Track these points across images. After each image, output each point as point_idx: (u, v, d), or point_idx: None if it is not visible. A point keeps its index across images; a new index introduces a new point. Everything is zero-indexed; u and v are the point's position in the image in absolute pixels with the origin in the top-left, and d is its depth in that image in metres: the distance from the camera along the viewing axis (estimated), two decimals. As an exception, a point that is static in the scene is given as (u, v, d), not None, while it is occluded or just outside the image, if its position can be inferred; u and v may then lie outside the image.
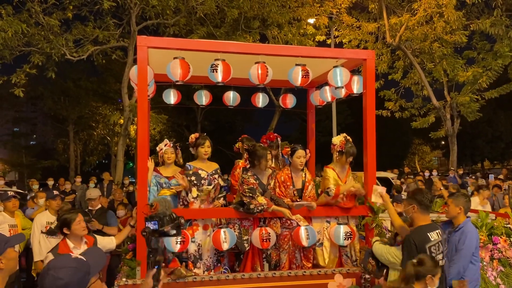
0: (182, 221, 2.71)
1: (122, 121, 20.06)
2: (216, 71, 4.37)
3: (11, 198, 6.30)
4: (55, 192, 7.02)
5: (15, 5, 13.43)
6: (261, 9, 15.28)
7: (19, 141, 32.95)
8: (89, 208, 6.52)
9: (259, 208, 4.52)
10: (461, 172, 15.43)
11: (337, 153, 4.92)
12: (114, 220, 6.48)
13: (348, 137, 4.99)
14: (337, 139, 4.98)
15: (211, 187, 4.74)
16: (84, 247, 3.93)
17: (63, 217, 3.98)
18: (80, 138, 28.67)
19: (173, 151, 5.18)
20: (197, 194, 4.71)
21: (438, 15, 15.64)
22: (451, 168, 16.37)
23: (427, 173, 16.31)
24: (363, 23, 17.60)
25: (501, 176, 14.37)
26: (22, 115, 34.76)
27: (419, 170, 21.50)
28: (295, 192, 4.90)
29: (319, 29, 16.75)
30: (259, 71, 4.48)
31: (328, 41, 17.89)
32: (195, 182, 4.74)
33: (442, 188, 8.93)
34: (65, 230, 3.93)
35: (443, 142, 32.30)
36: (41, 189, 10.22)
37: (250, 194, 4.59)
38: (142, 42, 4.27)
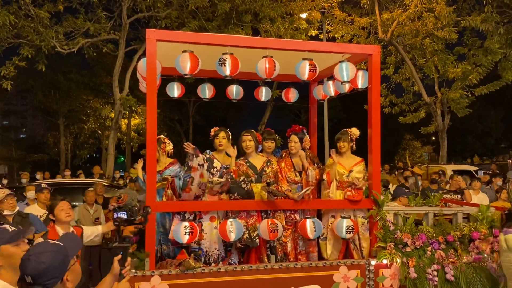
0: (149, 210, 3.11)
1: (113, 114, 19.96)
2: (225, 65, 4.37)
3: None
4: (44, 185, 7.00)
5: (4, -4, 13.26)
6: (253, 3, 15.19)
7: (9, 134, 32.62)
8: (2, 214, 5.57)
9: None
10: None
11: None
12: (40, 225, 5.60)
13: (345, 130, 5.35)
14: None
15: (222, 179, 4.74)
16: None
17: (50, 203, 4.61)
18: (71, 131, 28.43)
19: None
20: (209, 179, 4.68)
21: (427, 10, 15.73)
22: (442, 163, 16.56)
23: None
24: (355, 18, 17.62)
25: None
26: (11, 108, 34.36)
27: (409, 165, 21.67)
28: (297, 173, 5.10)
29: (312, 24, 16.74)
30: (267, 65, 4.49)
31: (321, 36, 17.88)
32: (206, 166, 4.74)
33: (466, 187, 8.91)
34: (51, 216, 4.40)
35: (433, 138, 32.58)
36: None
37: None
38: (151, 35, 4.24)
